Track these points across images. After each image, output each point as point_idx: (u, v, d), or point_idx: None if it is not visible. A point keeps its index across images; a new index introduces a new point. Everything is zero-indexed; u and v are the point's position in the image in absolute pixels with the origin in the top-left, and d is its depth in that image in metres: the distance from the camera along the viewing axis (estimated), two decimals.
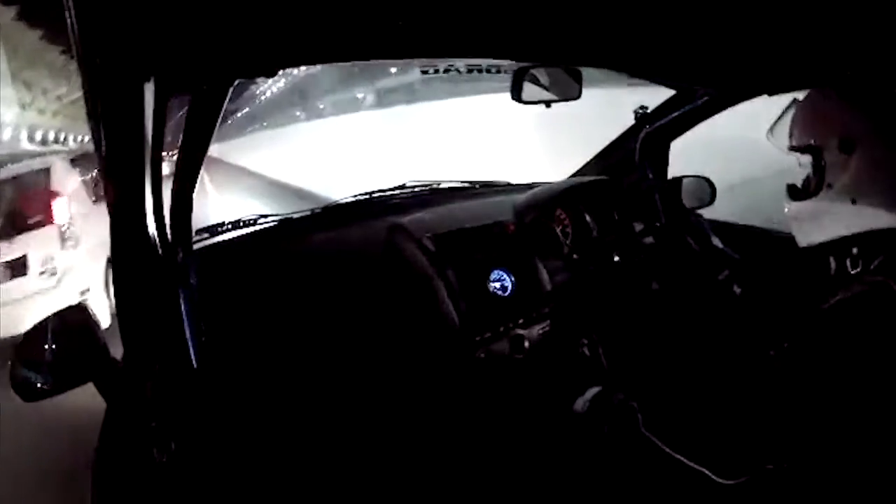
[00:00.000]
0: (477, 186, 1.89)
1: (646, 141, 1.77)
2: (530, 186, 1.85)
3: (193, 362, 1.01)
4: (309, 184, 9.30)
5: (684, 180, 1.76)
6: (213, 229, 1.48)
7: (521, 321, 1.45)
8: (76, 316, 1.06)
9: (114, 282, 0.99)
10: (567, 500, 1.25)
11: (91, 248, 4.43)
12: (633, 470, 1.06)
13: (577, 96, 1.45)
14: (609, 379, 1.35)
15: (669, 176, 1.83)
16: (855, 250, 0.96)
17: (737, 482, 0.88)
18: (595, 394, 1.16)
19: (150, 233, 0.96)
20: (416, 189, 1.80)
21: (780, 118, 1.06)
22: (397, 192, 1.77)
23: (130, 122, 0.76)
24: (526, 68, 1.41)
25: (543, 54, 1.21)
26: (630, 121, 1.81)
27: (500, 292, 1.45)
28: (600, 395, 1.15)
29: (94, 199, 4.82)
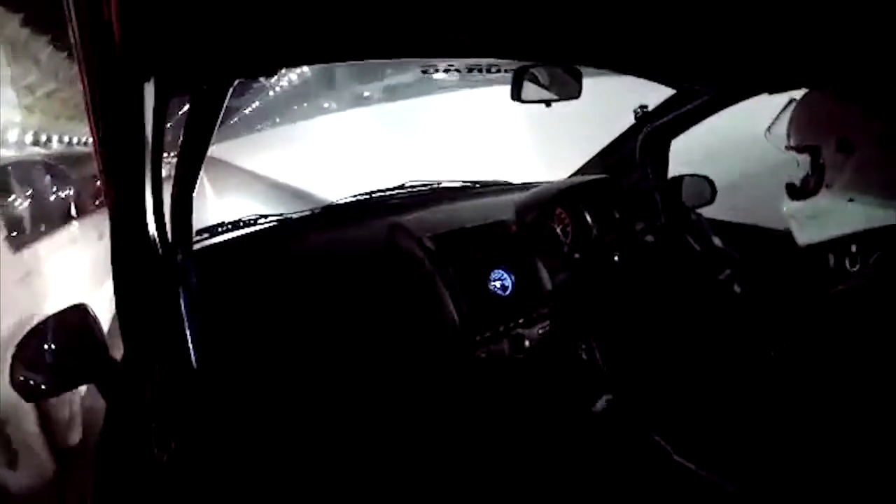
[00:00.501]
0: (477, 186, 1.89)
1: (646, 140, 1.77)
2: (530, 186, 1.85)
3: (193, 362, 1.01)
4: (310, 184, 9.27)
5: (684, 179, 1.76)
6: (213, 229, 1.47)
7: (521, 321, 1.45)
8: (76, 316, 1.06)
9: (114, 282, 0.99)
10: (569, 499, 1.25)
11: (11, 332, 2.29)
12: (641, 474, 1.06)
13: (577, 95, 1.46)
14: (617, 384, 1.35)
15: (670, 175, 1.84)
16: (854, 248, 0.97)
17: (744, 488, 0.88)
18: (607, 400, 1.15)
19: (150, 233, 0.96)
20: (416, 189, 1.80)
21: (778, 117, 1.06)
22: (397, 191, 1.77)
23: (130, 122, 0.76)
24: (526, 67, 1.41)
25: (544, 54, 1.21)
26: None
27: (500, 292, 1.45)
28: (613, 402, 1.14)
29: (15, 247, 2.72)
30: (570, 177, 1.97)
